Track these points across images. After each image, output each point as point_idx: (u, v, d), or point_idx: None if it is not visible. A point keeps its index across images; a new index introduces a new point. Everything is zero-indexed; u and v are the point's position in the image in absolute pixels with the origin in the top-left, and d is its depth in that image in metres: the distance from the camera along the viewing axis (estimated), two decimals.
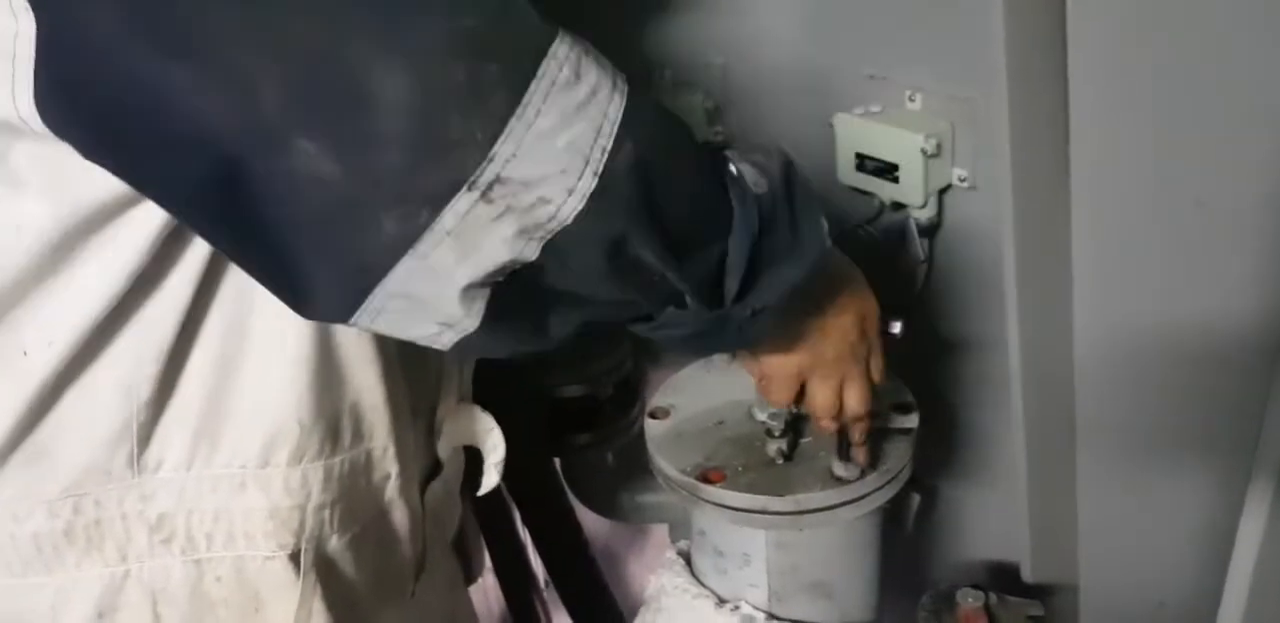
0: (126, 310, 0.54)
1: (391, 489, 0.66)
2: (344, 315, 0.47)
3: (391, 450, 0.65)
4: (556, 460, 0.99)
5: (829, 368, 0.65)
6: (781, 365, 0.65)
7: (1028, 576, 0.94)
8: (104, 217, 0.50)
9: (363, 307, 0.46)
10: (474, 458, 0.77)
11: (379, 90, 0.42)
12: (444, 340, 0.48)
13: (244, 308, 0.56)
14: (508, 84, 0.43)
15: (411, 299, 0.46)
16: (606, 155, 0.45)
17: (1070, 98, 0.75)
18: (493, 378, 0.78)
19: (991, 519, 1.02)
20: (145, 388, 0.56)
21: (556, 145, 0.44)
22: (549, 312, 0.49)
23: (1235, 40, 0.65)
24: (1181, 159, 0.72)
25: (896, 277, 0.97)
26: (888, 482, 0.73)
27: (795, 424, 0.75)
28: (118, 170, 0.47)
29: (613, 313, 0.51)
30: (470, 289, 0.46)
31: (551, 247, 0.45)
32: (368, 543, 0.66)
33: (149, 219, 0.51)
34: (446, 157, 0.43)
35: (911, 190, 0.90)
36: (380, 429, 0.64)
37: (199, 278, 0.54)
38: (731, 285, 0.51)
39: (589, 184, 0.45)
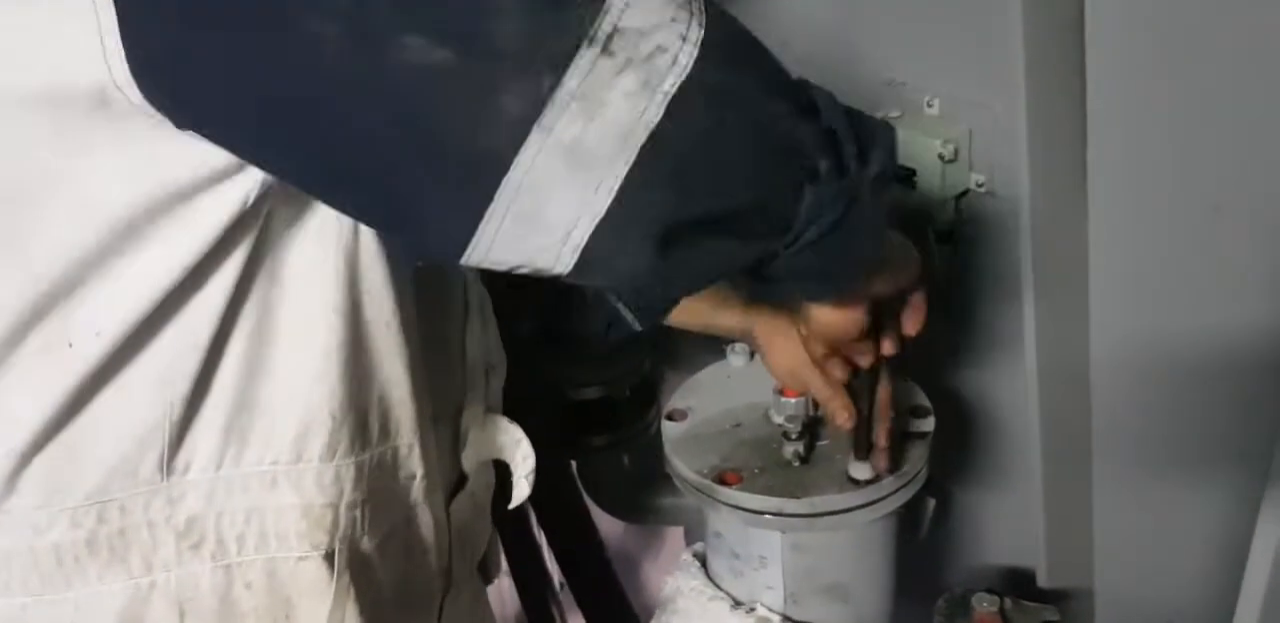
0: (176, 300, 0.52)
1: (417, 491, 0.65)
2: (465, 233, 0.44)
3: (416, 450, 0.64)
4: (573, 463, 1.00)
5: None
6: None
7: (1043, 581, 0.94)
8: (176, 199, 0.48)
9: (486, 217, 0.44)
10: (503, 479, 0.76)
11: None
12: (567, 253, 0.45)
13: (277, 296, 0.55)
14: None
15: (537, 194, 0.43)
16: (704, 11, 0.44)
17: (1088, 104, 0.76)
18: (510, 378, 0.79)
19: (1007, 525, 1.01)
20: (182, 383, 0.54)
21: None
22: (689, 229, 0.46)
23: (1252, 47, 0.65)
24: (1199, 165, 0.72)
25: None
26: (904, 485, 0.73)
27: (812, 427, 0.76)
28: (222, 138, 0.46)
29: (752, 234, 0.48)
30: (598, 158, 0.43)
31: (678, 103, 0.43)
32: (395, 547, 0.65)
33: (220, 204, 0.49)
34: (565, 12, 0.42)
35: (929, 196, 0.90)
36: (406, 426, 0.63)
37: (243, 266, 0.53)
38: (850, 149, 0.49)
39: (698, 33, 0.44)
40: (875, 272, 0.63)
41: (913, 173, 0.90)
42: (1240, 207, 0.70)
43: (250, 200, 0.50)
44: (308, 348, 0.56)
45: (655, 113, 0.43)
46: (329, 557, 0.60)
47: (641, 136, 0.43)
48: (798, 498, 0.71)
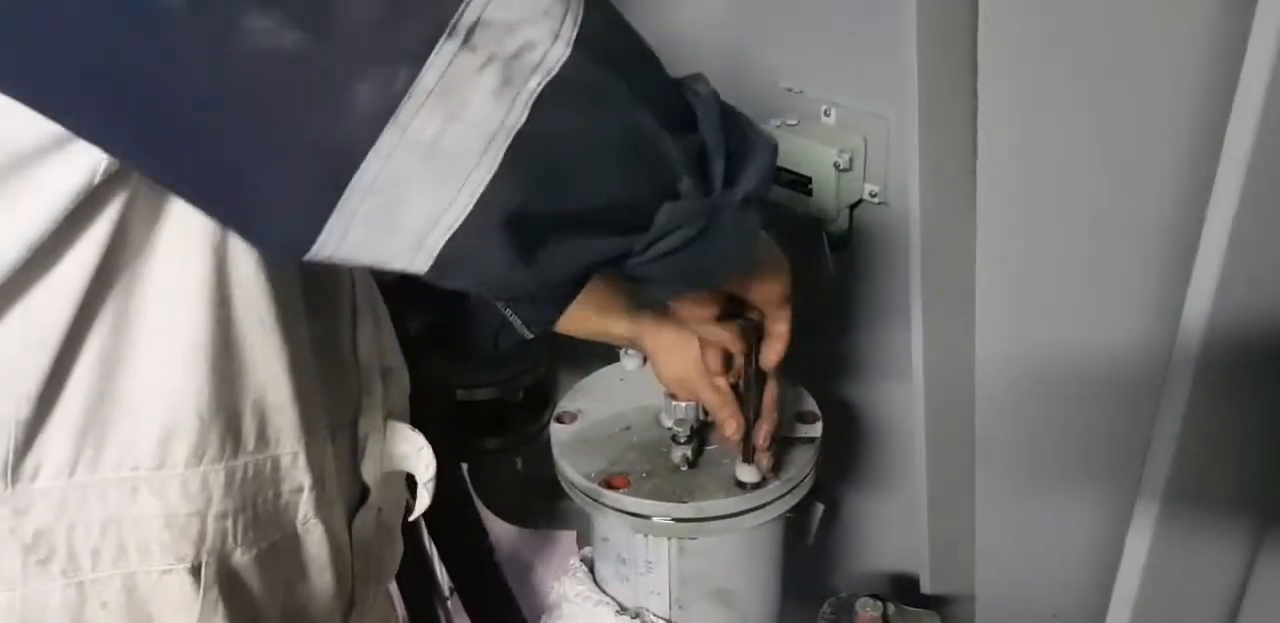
0: (22, 283, 0.48)
1: (306, 505, 0.61)
2: (312, 229, 0.41)
3: (302, 460, 0.60)
4: (464, 465, 0.98)
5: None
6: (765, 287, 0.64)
7: (926, 587, 0.96)
8: (17, 165, 0.44)
9: (334, 215, 0.41)
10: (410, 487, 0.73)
11: None
12: (423, 255, 0.42)
13: (140, 287, 0.51)
14: None
15: (390, 193, 0.41)
16: (582, 8, 0.41)
17: (979, 117, 0.78)
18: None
19: (893, 531, 1.03)
20: (32, 378, 0.49)
21: None
22: (548, 226, 0.44)
23: (1138, 64, 0.67)
24: (1084, 178, 0.74)
25: (807, 289, 0.98)
26: (790, 490, 0.73)
27: (701, 431, 0.76)
28: (46, 108, 0.41)
29: (611, 233, 0.47)
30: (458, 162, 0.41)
31: (542, 105, 0.41)
32: (280, 564, 0.61)
33: (66, 174, 0.45)
34: (423, 0, 0.39)
35: (824, 204, 0.91)
36: (288, 434, 0.59)
37: (102, 251, 0.48)
38: (718, 168, 0.47)
39: (572, 30, 0.41)
40: (744, 277, 0.63)
41: (809, 181, 0.91)
42: (1123, 220, 0.73)
43: (99, 172, 0.46)
44: (172, 343, 0.52)
45: (520, 114, 0.41)
46: (195, 570, 0.56)
47: (505, 139, 0.41)
48: (684, 502, 0.70)
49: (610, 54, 0.43)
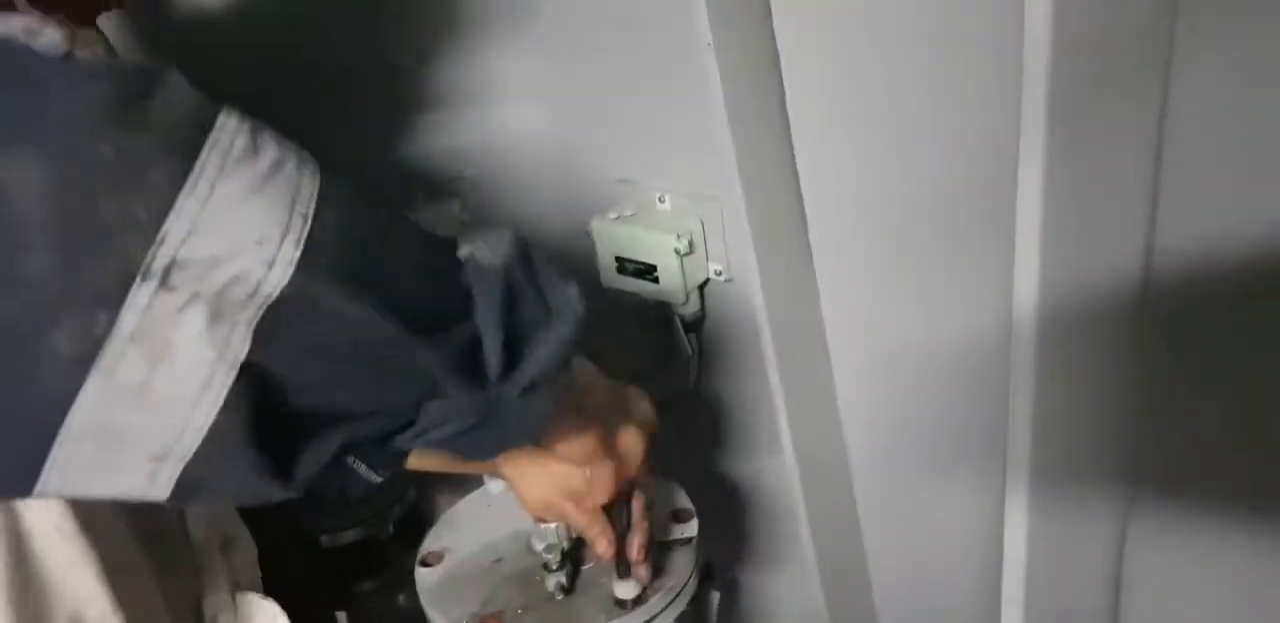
0: None
1: None
2: (28, 476, 0.38)
3: None
4: (342, 614, 0.92)
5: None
6: (577, 450, 0.59)
7: None
8: None
9: (49, 460, 0.38)
10: None
11: (4, 177, 0.35)
12: (159, 486, 0.39)
13: None
14: (172, 155, 0.37)
15: (106, 436, 0.38)
16: (309, 221, 0.39)
17: (803, 188, 0.78)
18: (256, 526, 0.72)
19: (792, 600, 1.01)
20: None
21: (245, 215, 0.38)
22: (292, 433, 0.41)
23: (949, 134, 0.68)
24: (915, 235, 0.75)
25: (669, 372, 0.97)
26: (672, 601, 0.70)
27: (573, 553, 0.72)
28: None
29: (369, 426, 0.44)
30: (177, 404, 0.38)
31: (265, 332, 0.38)
32: None
33: None
34: (106, 245, 0.36)
35: (672, 289, 0.89)
36: None
37: None
38: (493, 360, 0.44)
39: (292, 252, 0.38)
40: (597, 422, 0.60)
41: (653, 268, 0.90)
42: (956, 265, 0.74)
43: None
44: None
45: (241, 346, 0.38)
46: None
47: (227, 373, 0.38)
48: None
49: (348, 263, 0.40)
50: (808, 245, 0.82)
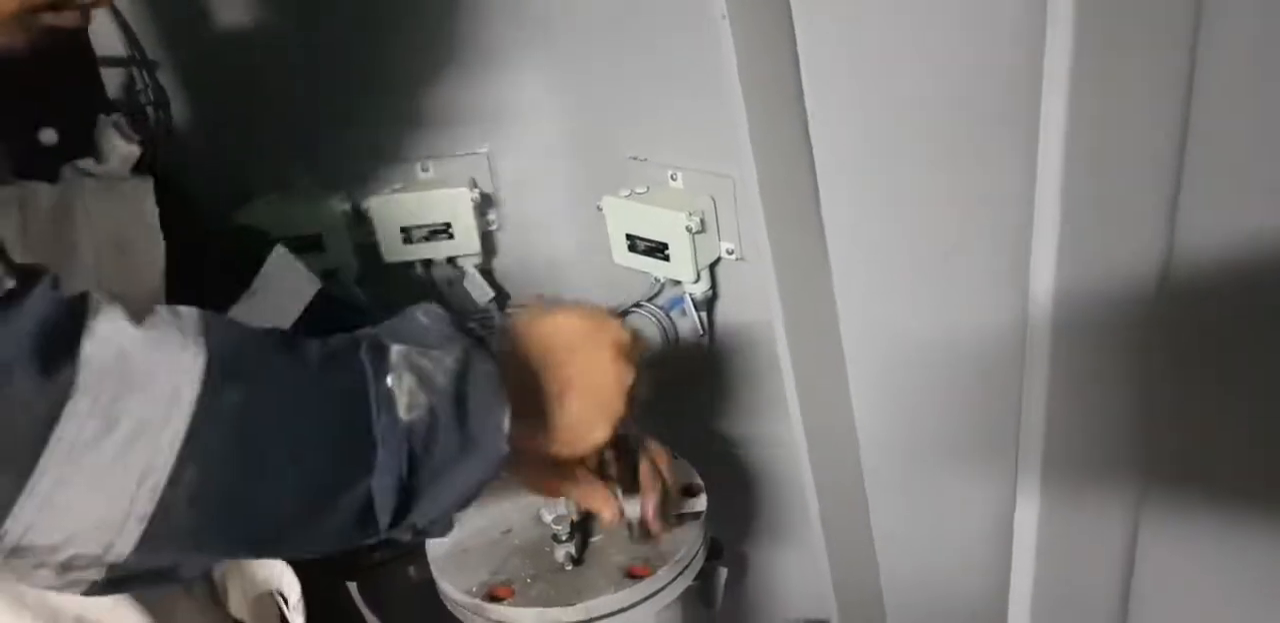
0: None
1: None
2: None
3: None
4: (352, 585, 0.93)
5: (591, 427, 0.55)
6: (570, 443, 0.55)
7: None
8: None
9: None
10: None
11: None
12: None
13: None
14: (10, 465, 0.37)
15: None
16: (160, 491, 0.39)
17: (817, 167, 0.78)
18: None
19: (800, 580, 1.01)
20: None
21: (85, 506, 0.38)
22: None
23: (969, 104, 0.67)
24: (931, 216, 0.74)
25: (680, 350, 0.97)
26: (680, 573, 0.70)
27: (582, 525, 0.72)
28: None
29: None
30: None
31: (117, 579, 0.40)
32: None
33: None
34: None
35: (683, 267, 0.90)
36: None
37: None
38: (382, 519, 0.44)
39: (136, 529, 0.39)
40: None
41: (665, 246, 0.90)
42: (961, 240, 0.73)
43: None
44: None
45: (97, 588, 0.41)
46: None
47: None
48: (571, 605, 0.66)
49: (209, 509, 0.40)
50: (821, 225, 0.81)
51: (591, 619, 0.67)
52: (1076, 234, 0.61)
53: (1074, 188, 0.59)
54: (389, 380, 0.43)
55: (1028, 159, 0.60)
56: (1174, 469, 0.73)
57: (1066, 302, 0.63)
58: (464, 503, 0.46)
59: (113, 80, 0.87)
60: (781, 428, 0.90)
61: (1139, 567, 0.78)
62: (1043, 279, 0.63)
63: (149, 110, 0.91)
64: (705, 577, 0.77)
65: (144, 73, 0.90)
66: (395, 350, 0.44)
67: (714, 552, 0.77)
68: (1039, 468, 0.69)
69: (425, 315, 0.48)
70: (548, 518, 0.73)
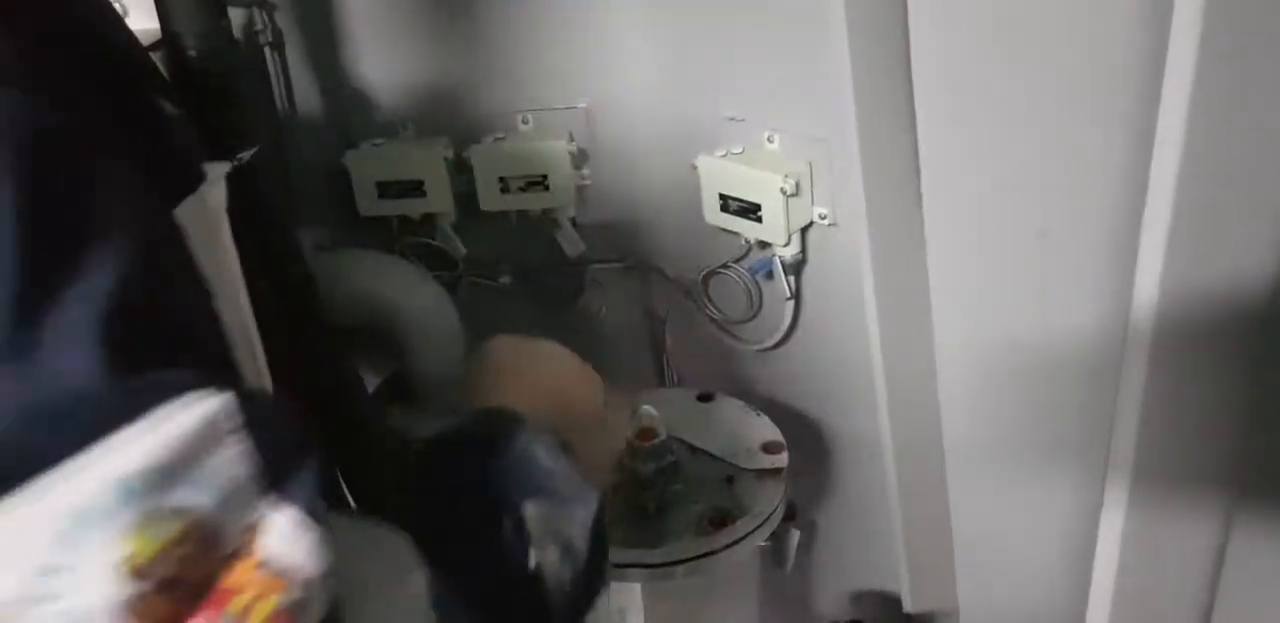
0: None
1: None
2: None
3: None
4: None
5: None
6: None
7: (908, 605, 0.95)
8: None
9: None
10: None
11: None
12: None
13: None
14: None
15: None
16: None
17: (919, 136, 0.78)
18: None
19: (872, 550, 1.02)
20: None
21: None
22: None
23: (1073, 81, 0.67)
24: (1025, 193, 0.74)
25: (767, 313, 0.98)
26: (759, 526, 0.73)
27: (667, 471, 0.75)
28: None
29: None
30: None
31: None
32: None
33: None
34: None
35: (775, 229, 0.91)
36: None
37: None
38: None
39: None
40: None
41: (758, 207, 0.91)
42: (1064, 231, 0.73)
43: None
44: None
45: None
46: None
47: None
48: (655, 548, 0.69)
49: None
50: (919, 196, 0.81)
51: (672, 563, 0.69)
52: (1188, 234, 0.60)
53: (1188, 186, 0.58)
54: (531, 561, 0.43)
55: (1140, 149, 0.60)
56: (1266, 481, 0.72)
57: (1171, 303, 0.63)
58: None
59: (235, 21, 0.90)
60: (862, 400, 0.91)
61: (1224, 580, 0.77)
62: (1148, 278, 0.62)
63: (266, 51, 0.94)
64: (779, 537, 0.79)
65: (264, 14, 0.93)
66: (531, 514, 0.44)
67: (789, 514, 0.79)
68: (1129, 476, 0.69)
69: (547, 455, 0.46)
70: (636, 462, 0.75)
